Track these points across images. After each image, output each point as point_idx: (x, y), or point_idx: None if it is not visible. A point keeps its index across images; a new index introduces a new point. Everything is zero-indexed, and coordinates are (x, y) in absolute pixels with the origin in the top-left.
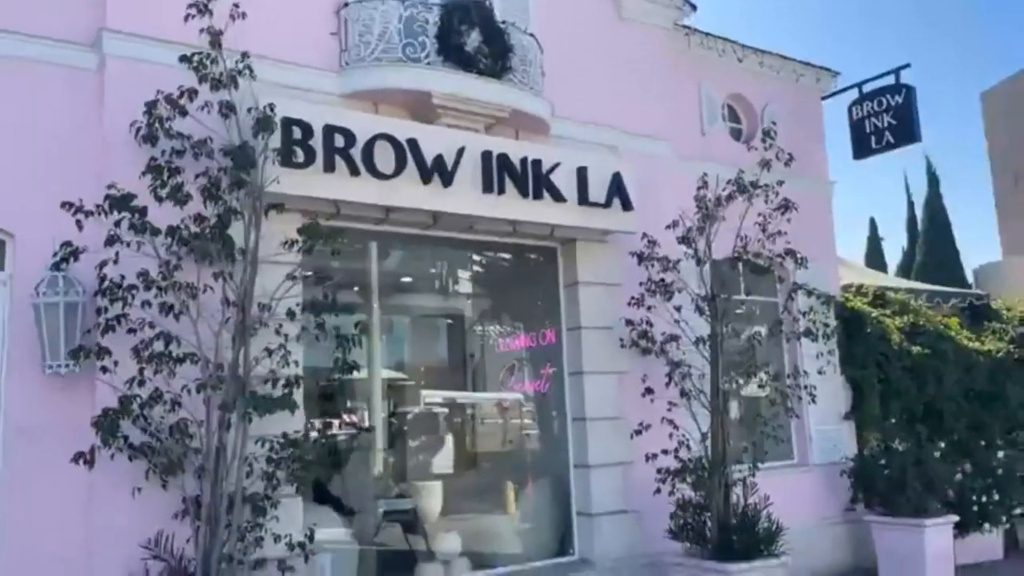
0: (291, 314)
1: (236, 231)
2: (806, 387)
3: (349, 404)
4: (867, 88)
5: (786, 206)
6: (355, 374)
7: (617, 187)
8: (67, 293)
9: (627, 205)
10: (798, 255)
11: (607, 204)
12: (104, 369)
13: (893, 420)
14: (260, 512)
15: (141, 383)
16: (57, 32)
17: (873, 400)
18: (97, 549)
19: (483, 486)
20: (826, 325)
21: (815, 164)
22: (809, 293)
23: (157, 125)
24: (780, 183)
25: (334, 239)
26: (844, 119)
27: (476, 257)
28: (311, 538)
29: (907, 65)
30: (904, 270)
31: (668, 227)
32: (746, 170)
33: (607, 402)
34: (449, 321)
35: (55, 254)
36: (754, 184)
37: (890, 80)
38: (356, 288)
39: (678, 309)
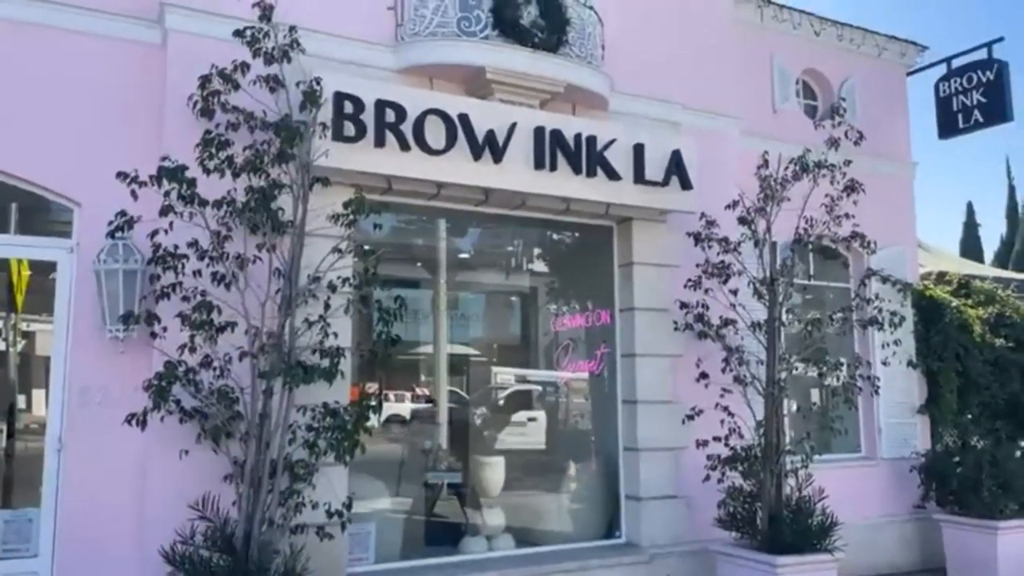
0: (332, 287)
1: (286, 204)
2: (869, 377)
3: (415, 377)
4: (956, 63)
5: (852, 187)
6: (421, 348)
7: (676, 165)
8: (126, 261)
9: (686, 184)
10: (866, 239)
11: (665, 183)
12: (154, 335)
13: (970, 416)
14: (299, 479)
15: (192, 350)
16: (124, 8)
17: (950, 394)
18: (149, 507)
19: (539, 465)
20: (893, 314)
21: (897, 144)
22: (884, 280)
23: (213, 99)
24: (847, 163)
25: (379, 213)
26: (931, 96)
27: (537, 235)
28: (349, 506)
29: (1000, 39)
30: (1002, 259)
31: (728, 207)
32: (820, 149)
33: (659, 386)
34: (514, 298)
35: (110, 222)
36: (818, 164)
37: (982, 55)
38: (420, 263)
39: (735, 293)
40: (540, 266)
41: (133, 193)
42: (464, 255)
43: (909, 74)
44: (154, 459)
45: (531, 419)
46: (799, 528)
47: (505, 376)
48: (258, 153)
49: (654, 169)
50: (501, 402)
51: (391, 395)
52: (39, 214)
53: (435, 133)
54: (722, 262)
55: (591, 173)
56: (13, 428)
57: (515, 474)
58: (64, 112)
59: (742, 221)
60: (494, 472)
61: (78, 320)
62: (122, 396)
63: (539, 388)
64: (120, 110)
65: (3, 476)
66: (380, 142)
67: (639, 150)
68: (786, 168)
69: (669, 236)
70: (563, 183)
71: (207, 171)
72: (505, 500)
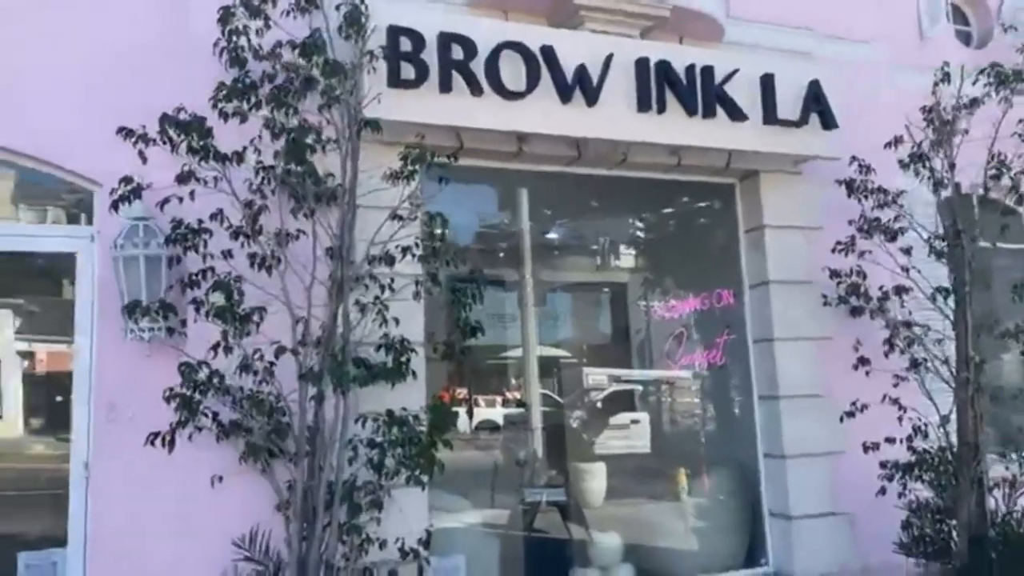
0: (390, 259)
1: (332, 167)
2: None
3: (503, 381)
4: None
5: None
6: (509, 352)
7: (815, 99)
8: (147, 245)
9: (829, 122)
10: None
11: (801, 122)
12: (171, 331)
13: None
14: (356, 510)
15: (228, 349)
16: None
17: None
18: (190, 545)
19: (650, 475)
20: None
21: None
22: None
23: (239, 41)
24: None
25: (444, 166)
26: None
27: (640, 204)
28: (427, 543)
29: None
30: None
31: (887, 145)
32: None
33: (806, 376)
34: (607, 290)
35: (111, 191)
36: (1019, 75)
37: None
38: (501, 253)
39: (907, 252)
40: (643, 242)
41: (141, 154)
42: (552, 236)
43: None
44: (193, 486)
45: (634, 421)
46: (1011, 554)
47: (599, 377)
48: (281, 87)
49: (787, 105)
50: (601, 404)
51: (480, 400)
52: (57, 197)
53: (513, 72)
54: (877, 219)
55: (709, 113)
56: None
57: (622, 484)
58: (74, 76)
59: (915, 160)
60: (594, 480)
61: (102, 321)
62: (154, 411)
63: (640, 388)
64: (142, 72)
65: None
66: (446, 86)
67: (767, 82)
68: (973, 82)
69: (806, 191)
70: (674, 128)
71: (224, 116)
72: (616, 517)
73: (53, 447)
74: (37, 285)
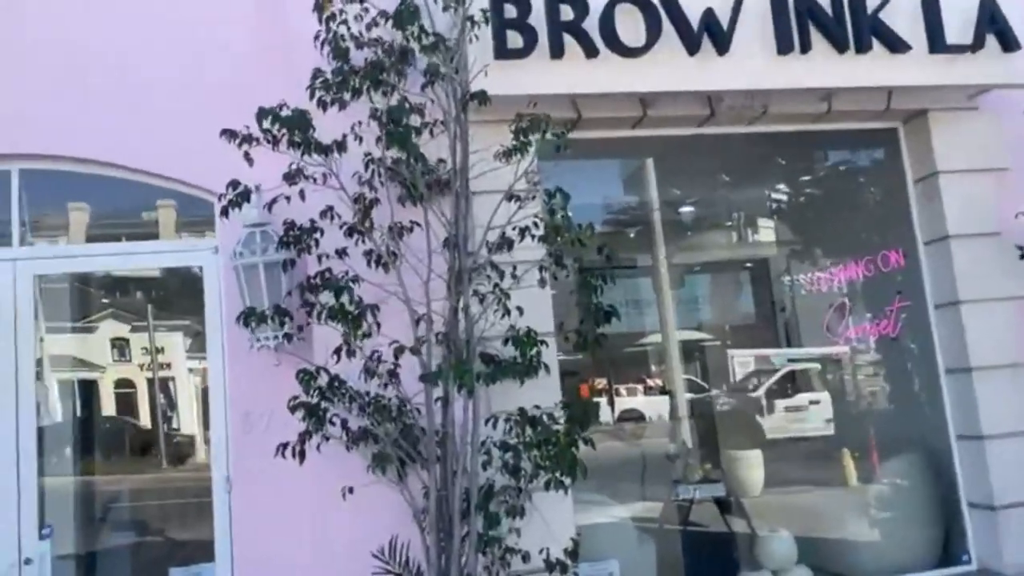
0: (508, 243)
1: (440, 150)
2: None
3: (644, 369)
4: None
5: None
6: (648, 336)
7: (990, 18)
8: (265, 251)
9: (1010, 43)
10: None
11: (976, 46)
12: (288, 337)
13: None
14: (494, 519)
15: (351, 353)
16: None
17: None
18: (331, 558)
19: (816, 461)
20: None
21: None
22: None
23: (343, 31)
24: None
25: (561, 135)
26: None
27: (784, 165)
28: (575, 553)
29: None
30: None
31: None
32: None
33: (1003, 343)
34: (749, 264)
35: (219, 196)
36: None
37: None
38: (632, 233)
39: None
40: (790, 207)
41: (247, 155)
42: (687, 210)
43: None
44: (329, 497)
45: (813, 402)
46: None
47: (745, 358)
48: (376, 63)
49: (956, 29)
50: (753, 388)
51: (622, 389)
52: (185, 211)
53: (631, 26)
54: None
55: (862, 47)
56: None
57: (788, 472)
58: (183, 88)
59: None
60: (751, 469)
61: (231, 332)
62: (288, 421)
63: (816, 366)
64: (250, 76)
65: None
66: (558, 51)
67: (930, 4)
68: None
69: (986, 127)
70: (822, 69)
71: (323, 105)
72: (781, 509)
73: None
74: (199, 305)
